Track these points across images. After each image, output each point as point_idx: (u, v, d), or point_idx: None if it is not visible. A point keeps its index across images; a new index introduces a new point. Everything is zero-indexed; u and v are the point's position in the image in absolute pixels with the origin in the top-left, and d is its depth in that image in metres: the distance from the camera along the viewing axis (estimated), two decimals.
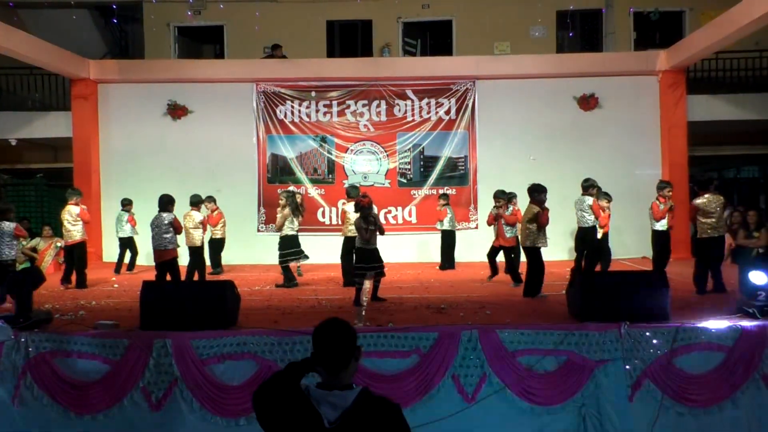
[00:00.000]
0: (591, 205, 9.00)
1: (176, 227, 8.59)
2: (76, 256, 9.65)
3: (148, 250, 9.97)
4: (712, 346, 5.58)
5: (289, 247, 9.32)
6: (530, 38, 14.97)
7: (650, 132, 13.00)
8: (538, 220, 7.82)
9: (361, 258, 7.75)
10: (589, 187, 9.10)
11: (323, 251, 11.09)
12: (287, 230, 9.32)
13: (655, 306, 5.86)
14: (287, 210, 9.35)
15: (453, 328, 5.72)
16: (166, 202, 8.63)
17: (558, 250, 11.53)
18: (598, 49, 15.09)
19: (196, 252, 10.06)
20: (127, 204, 11.59)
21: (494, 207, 9.98)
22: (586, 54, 14.18)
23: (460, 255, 11.93)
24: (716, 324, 5.70)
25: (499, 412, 5.50)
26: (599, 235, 9.36)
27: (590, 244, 9.13)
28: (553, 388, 5.51)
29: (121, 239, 11.52)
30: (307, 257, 9.62)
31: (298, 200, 9.99)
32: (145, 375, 5.53)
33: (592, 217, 9.03)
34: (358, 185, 10.33)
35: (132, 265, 11.61)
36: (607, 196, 9.64)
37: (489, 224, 10.37)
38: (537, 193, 7.96)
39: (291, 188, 11.63)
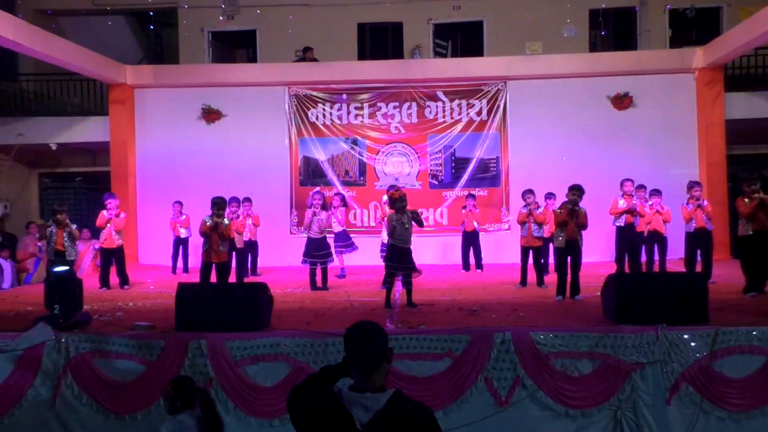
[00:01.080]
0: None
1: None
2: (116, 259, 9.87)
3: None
4: (753, 349, 5.45)
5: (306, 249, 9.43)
6: (562, 38, 14.80)
7: (687, 131, 12.75)
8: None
9: (391, 256, 7.68)
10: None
11: (355, 253, 11.11)
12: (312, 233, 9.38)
13: (692, 308, 5.75)
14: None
15: (486, 330, 5.69)
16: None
17: (592, 251, 11.35)
18: (632, 47, 14.85)
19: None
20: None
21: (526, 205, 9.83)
22: (619, 52, 13.96)
23: (491, 257, 11.85)
24: (757, 326, 5.56)
25: (533, 416, 5.45)
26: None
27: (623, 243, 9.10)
28: (588, 391, 5.44)
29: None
30: (320, 263, 9.52)
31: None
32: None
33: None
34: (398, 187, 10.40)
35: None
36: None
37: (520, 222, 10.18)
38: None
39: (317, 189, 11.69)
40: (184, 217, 11.43)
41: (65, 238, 8.96)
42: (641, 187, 9.77)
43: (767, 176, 15.99)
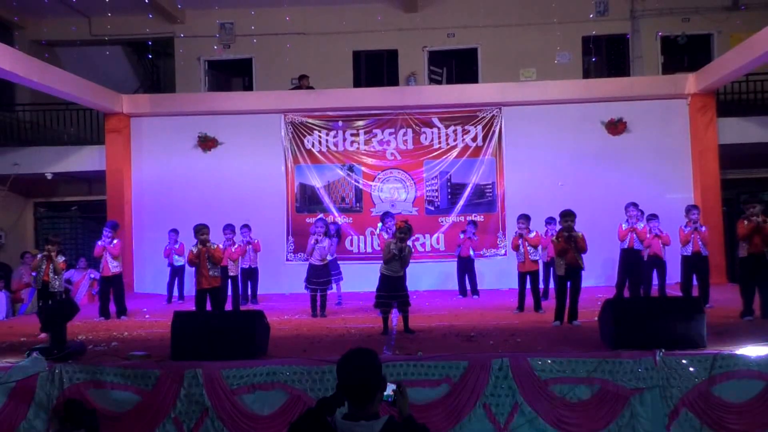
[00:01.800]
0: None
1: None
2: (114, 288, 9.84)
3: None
4: (752, 373, 5.42)
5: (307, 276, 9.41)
6: (556, 64, 14.98)
7: (680, 156, 12.84)
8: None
9: (384, 286, 7.58)
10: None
11: (352, 280, 11.07)
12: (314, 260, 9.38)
13: (690, 332, 5.73)
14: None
15: (483, 356, 5.66)
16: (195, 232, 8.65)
17: (588, 276, 11.32)
18: (625, 73, 15.02)
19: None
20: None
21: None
22: (613, 78, 14.14)
23: (488, 282, 11.83)
24: (756, 351, 5.55)
25: None
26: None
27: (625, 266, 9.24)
28: (587, 417, 5.39)
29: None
30: (320, 290, 9.47)
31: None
32: (176, 405, 5.55)
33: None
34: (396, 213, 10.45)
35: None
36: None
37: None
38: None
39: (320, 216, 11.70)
40: (178, 245, 11.39)
41: (51, 269, 8.90)
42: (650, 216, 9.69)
43: (764, 200, 16.15)
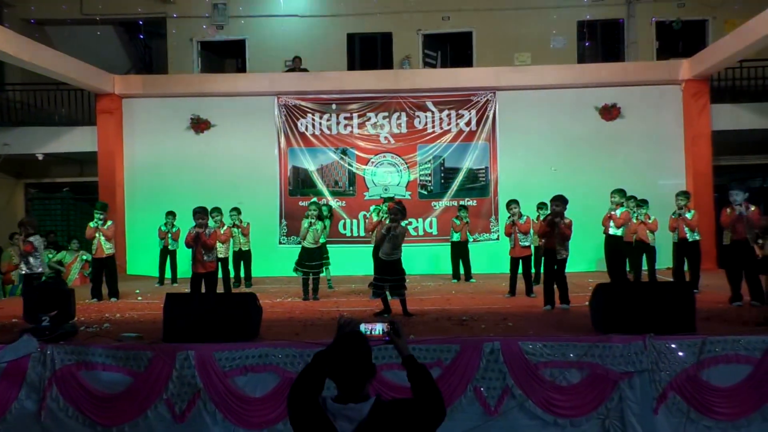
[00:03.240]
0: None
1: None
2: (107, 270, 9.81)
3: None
4: (740, 358, 5.47)
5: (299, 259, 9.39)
6: (551, 49, 14.94)
7: (673, 142, 12.88)
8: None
9: (378, 270, 7.62)
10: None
11: (345, 263, 11.09)
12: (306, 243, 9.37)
13: (680, 317, 5.78)
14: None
15: (475, 340, 5.68)
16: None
17: (580, 261, 11.41)
18: (619, 58, 15.01)
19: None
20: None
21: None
22: (607, 64, 14.12)
23: (480, 267, 11.87)
24: (744, 336, 5.60)
25: (522, 425, 5.44)
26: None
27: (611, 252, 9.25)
28: (576, 400, 5.44)
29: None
30: (312, 273, 9.45)
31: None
32: (168, 387, 5.55)
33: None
34: (394, 197, 10.43)
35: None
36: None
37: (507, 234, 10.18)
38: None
39: (314, 200, 11.69)
40: (175, 229, 11.34)
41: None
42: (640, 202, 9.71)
43: (752, 186, 16.24)
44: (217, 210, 10.20)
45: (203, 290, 8.41)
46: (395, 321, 2.97)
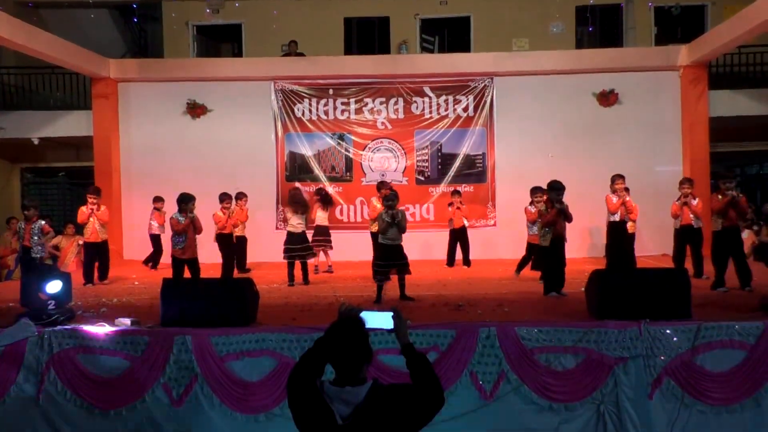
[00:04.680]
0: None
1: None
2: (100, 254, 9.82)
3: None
4: (734, 343, 5.52)
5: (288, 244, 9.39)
6: (549, 34, 14.87)
7: (671, 128, 12.86)
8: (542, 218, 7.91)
9: (382, 255, 7.64)
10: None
11: (342, 248, 11.10)
12: (291, 227, 9.37)
13: (675, 303, 5.81)
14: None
15: (471, 325, 5.71)
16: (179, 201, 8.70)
17: (576, 247, 11.43)
18: (618, 44, 14.95)
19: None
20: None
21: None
22: (605, 49, 14.06)
23: (477, 253, 11.89)
24: (738, 321, 5.63)
25: (517, 410, 5.49)
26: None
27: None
28: (572, 385, 5.48)
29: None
30: (299, 258, 9.45)
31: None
32: (165, 371, 5.59)
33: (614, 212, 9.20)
34: (389, 181, 10.44)
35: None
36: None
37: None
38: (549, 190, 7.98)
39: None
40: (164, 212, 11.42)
41: (33, 234, 8.79)
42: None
43: (750, 173, 16.28)
44: (227, 195, 10.21)
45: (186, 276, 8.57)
46: (397, 309, 2.98)
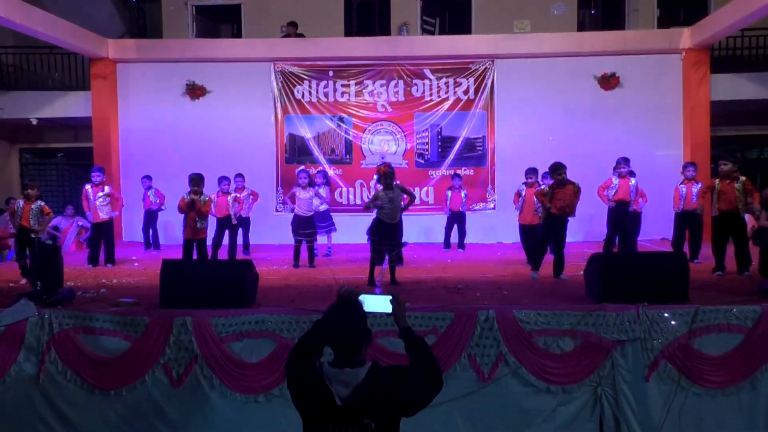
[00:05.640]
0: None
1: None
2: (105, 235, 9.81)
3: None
4: (732, 327, 5.54)
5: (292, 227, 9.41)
6: (550, 16, 14.72)
7: (672, 112, 12.82)
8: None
9: (376, 231, 7.55)
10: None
11: (341, 231, 11.10)
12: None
13: (674, 287, 5.82)
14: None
15: (470, 308, 5.73)
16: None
17: (574, 231, 11.41)
18: (620, 27, 14.83)
19: None
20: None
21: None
22: (607, 32, 13.95)
23: (476, 236, 11.90)
24: (736, 305, 5.66)
25: (515, 392, 5.53)
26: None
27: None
28: (569, 368, 5.51)
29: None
30: (306, 241, 9.43)
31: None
32: (165, 352, 5.61)
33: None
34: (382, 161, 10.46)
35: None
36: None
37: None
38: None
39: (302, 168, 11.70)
40: (153, 190, 11.54)
41: (32, 215, 8.75)
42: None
43: (750, 158, 16.23)
44: (226, 178, 10.20)
45: (194, 256, 8.57)
46: (395, 294, 2.99)
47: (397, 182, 7.80)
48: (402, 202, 7.66)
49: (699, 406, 5.49)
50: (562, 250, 7.93)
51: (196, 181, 8.51)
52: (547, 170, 8.50)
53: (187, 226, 8.59)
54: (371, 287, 7.33)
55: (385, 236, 7.50)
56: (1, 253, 11.86)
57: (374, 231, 7.60)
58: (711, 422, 5.49)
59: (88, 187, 9.75)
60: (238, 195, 10.31)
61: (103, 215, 9.69)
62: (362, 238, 8.15)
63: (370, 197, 8.32)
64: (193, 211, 8.47)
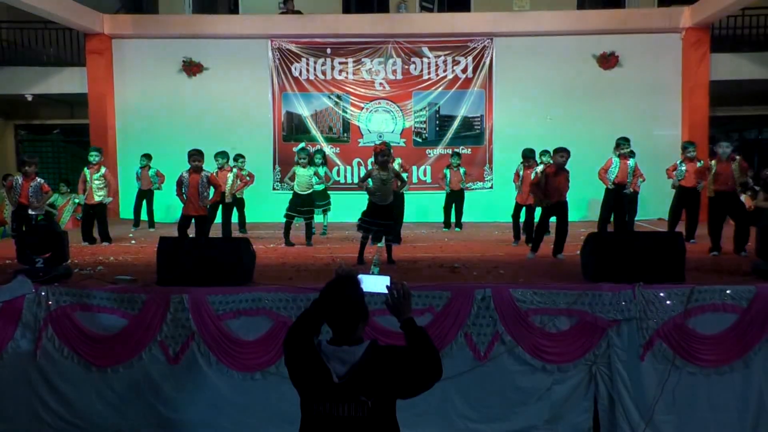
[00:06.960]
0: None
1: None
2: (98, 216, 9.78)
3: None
4: (726, 306, 5.56)
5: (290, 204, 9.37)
6: None
7: (671, 91, 12.78)
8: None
9: (368, 211, 7.49)
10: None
11: (338, 210, 11.10)
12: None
13: (670, 267, 5.83)
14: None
15: (466, 287, 5.74)
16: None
17: (575, 210, 11.40)
18: (620, 5, 14.71)
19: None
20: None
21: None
22: (607, 10, 13.84)
23: (474, 215, 11.90)
24: (731, 285, 5.68)
25: (511, 371, 5.56)
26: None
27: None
28: (565, 347, 5.54)
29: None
30: (305, 219, 9.41)
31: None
32: (162, 329, 5.61)
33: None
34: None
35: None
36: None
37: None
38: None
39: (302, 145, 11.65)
40: (154, 170, 11.45)
41: (30, 192, 8.71)
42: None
43: (748, 138, 16.20)
44: (223, 154, 10.11)
45: (191, 234, 8.52)
46: (404, 283, 2.96)
47: (398, 161, 7.70)
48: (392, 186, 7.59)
49: (693, 385, 5.53)
50: (565, 232, 7.93)
51: (196, 156, 8.42)
52: (546, 150, 8.46)
53: (189, 203, 8.48)
54: (360, 266, 7.29)
55: (377, 217, 7.43)
56: None
57: (366, 212, 7.56)
58: (704, 400, 5.53)
59: (86, 170, 9.69)
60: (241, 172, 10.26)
61: (97, 198, 9.64)
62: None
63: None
64: (191, 188, 8.41)
